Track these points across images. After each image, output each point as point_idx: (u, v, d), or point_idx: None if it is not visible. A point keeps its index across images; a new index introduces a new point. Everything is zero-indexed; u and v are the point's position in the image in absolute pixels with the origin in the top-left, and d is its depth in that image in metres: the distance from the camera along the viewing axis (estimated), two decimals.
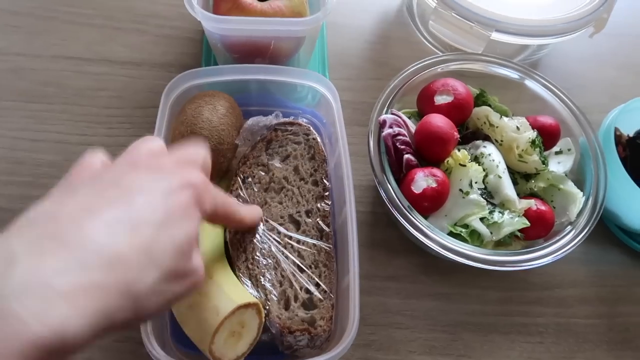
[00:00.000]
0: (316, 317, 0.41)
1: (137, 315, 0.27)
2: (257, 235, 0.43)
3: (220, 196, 0.35)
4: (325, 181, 0.47)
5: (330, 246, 0.44)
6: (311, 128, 0.49)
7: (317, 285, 0.42)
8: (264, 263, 0.42)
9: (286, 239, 0.44)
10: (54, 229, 0.25)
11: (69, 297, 0.23)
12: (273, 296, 0.41)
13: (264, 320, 0.40)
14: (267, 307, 0.40)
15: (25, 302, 0.22)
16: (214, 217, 0.35)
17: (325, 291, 0.42)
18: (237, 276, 0.42)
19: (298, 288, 0.42)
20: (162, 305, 0.28)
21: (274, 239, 0.44)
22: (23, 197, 0.52)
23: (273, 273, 0.42)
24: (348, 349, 0.38)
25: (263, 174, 0.47)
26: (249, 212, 0.42)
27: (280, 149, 0.48)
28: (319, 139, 0.49)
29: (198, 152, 0.34)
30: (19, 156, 0.55)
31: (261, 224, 0.44)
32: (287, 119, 0.50)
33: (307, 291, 0.42)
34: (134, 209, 0.28)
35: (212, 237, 0.43)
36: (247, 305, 0.38)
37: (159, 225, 0.28)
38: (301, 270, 0.43)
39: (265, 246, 0.43)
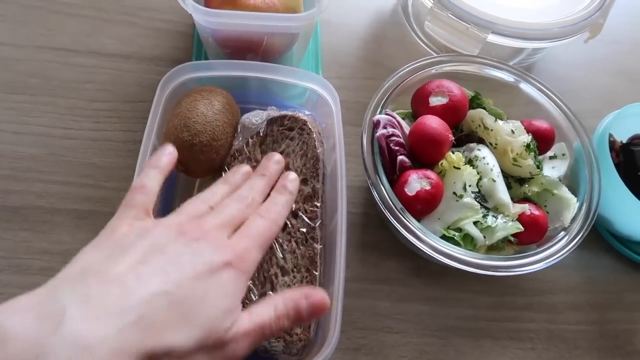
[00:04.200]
0: None
1: None
2: None
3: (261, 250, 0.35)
4: (314, 181, 0.46)
5: (316, 250, 0.43)
6: (308, 122, 0.47)
7: None
8: None
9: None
10: (102, 289, 0.28)
11: None
12: (253, 297, 0.40)
13: None
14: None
15: None
16: None
17: None
18: None
19: (279, 292, 0.41)
20: None
21: None
22: (3, 192, 0.50)
23: (255, 274, 0.41)
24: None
25: (252, 170, 0.45)
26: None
27: (275, 145, 0.47)
28: (314, 135, 0.47)
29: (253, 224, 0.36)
30: (0, 149, 0.53)
31: None
32: (284, 112, 0.48)
33: None
34: (177, 284, 0.29)
35: None
36: None
37: (197, 301, 0.29)
38: (284, 273, 0.42)
39: None
